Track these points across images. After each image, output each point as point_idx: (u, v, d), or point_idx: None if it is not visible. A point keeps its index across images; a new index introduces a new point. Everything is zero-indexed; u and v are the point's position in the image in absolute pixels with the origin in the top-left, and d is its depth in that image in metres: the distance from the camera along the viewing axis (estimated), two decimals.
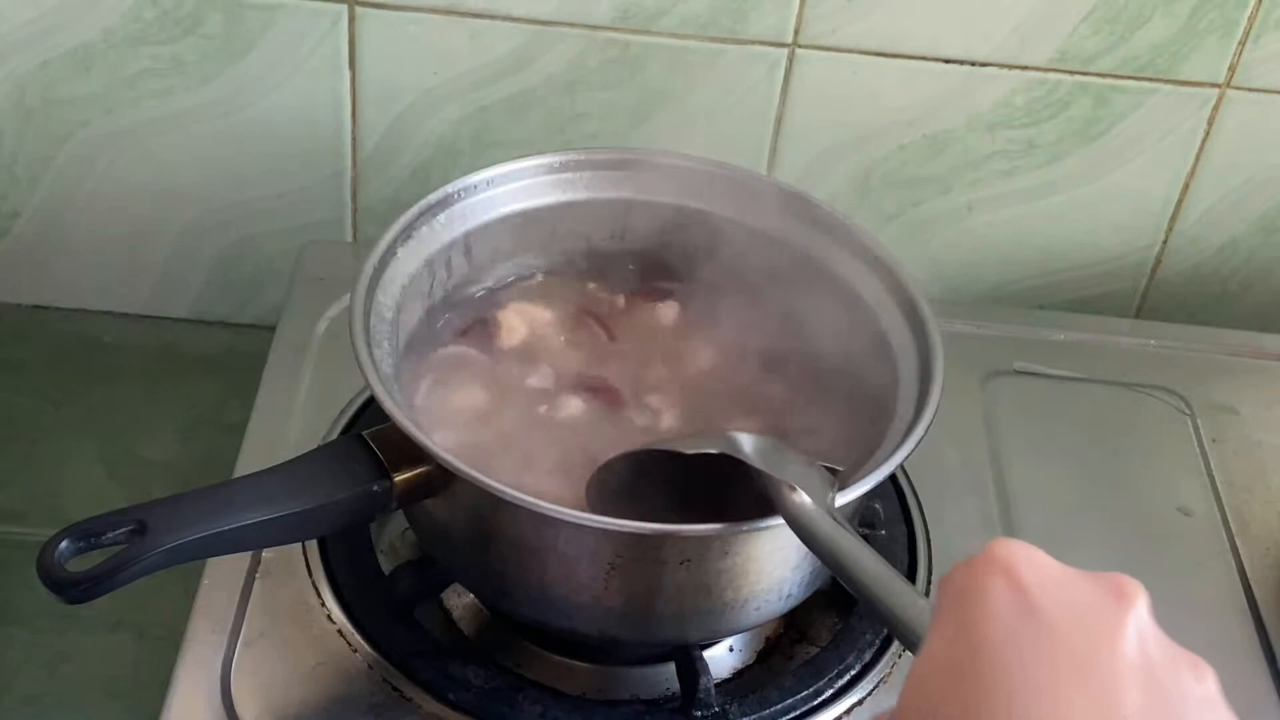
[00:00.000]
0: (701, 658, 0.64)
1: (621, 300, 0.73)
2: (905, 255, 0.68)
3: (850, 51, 0.84)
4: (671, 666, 0.65)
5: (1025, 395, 0.83)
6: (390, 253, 0.65)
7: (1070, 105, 0.86)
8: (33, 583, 0.52)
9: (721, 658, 0.68)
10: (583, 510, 0.56)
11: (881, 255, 0.68)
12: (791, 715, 0.64)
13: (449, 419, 0.65)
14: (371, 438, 0.58)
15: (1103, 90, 0.85)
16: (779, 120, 0.87)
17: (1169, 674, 0.37)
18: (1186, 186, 0.90)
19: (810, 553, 0.53)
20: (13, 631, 0.79)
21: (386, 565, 0.69)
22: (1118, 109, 0.86)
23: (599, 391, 0.68)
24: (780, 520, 0.54)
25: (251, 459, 0.72)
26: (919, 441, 0.59)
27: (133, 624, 0.79)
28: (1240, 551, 0.75)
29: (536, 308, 0.71)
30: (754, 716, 0.64)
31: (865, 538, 0.70)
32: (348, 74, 0.84)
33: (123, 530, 0.53)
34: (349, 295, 0.61)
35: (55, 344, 0.94)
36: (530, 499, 0.54)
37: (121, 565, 0.52)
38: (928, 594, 0.70)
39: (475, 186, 0.69)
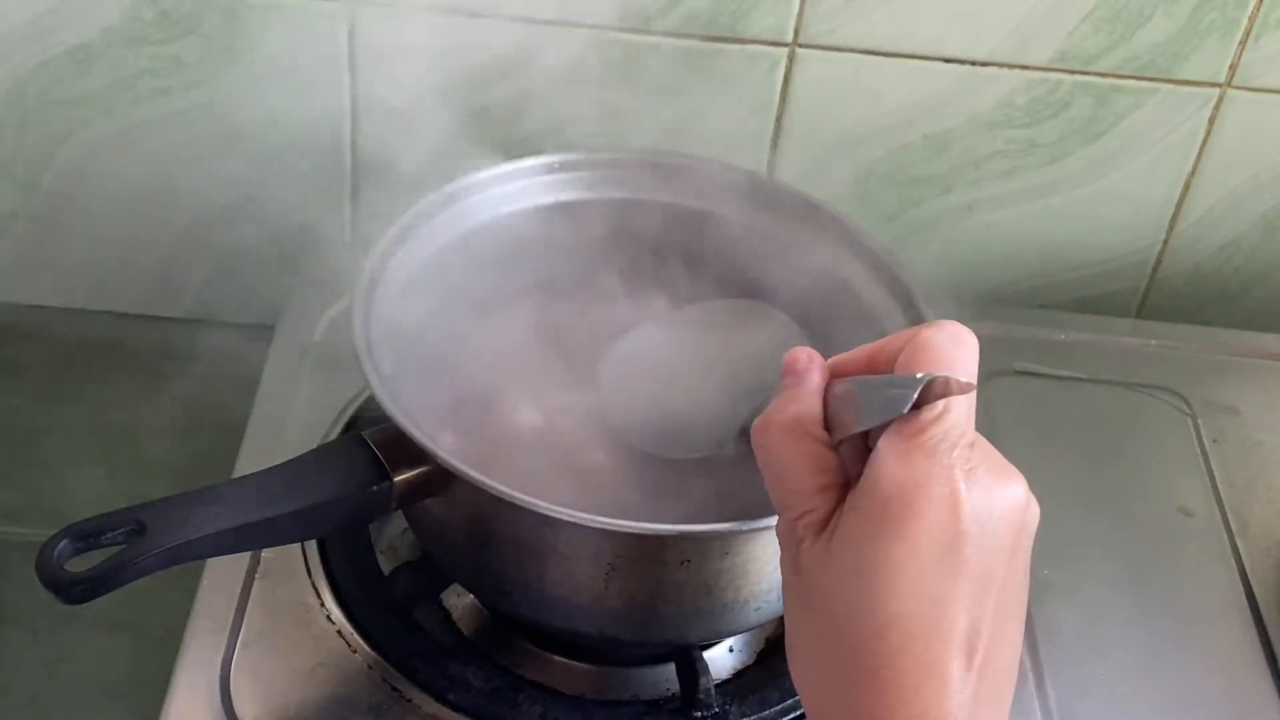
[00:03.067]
0: (702, 658, 0.64)
1: (618, 302, 0.73)
2: (905, 255, 0.68)
3: (850, 51, 0.83)
4: (671, 667, 0.65)
5: (1025, 395, 0.83)
6: (390, 253, 0.65)
7: (1071, 105, 0.86)
8: (32, 583, 0.52)
9: (722, 658, 0.68)
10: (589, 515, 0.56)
11: (881, 255, 0.68)
12: (792, 716, 0.64)
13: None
14: (371, 438, 0.58)
15: (1103, 90, 0.85)
16: (779, 120, 0.87)
17: None
18: (1187, 186, 0.90)
19: None
20: (12, 632, 0.79)
21: (386, 565, 0.69)
22: (1118, 109, 0.86)
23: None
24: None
25: (251, 459, 0.72)
26: None
27: (132, 625, 0.79)
28: (1241, 552, 0.75)
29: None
30: (754, 717, 0.64)
31: None
32: (347, 74, 0.84)
33: (122, 530, 0.53)
34: (349, 295, 0.61)
35: (55, 344, 0.94)
36: (530, 499, 0.54)
37: (121, 566, 0.52)
38: None
39: (475, 186, 0.69)
